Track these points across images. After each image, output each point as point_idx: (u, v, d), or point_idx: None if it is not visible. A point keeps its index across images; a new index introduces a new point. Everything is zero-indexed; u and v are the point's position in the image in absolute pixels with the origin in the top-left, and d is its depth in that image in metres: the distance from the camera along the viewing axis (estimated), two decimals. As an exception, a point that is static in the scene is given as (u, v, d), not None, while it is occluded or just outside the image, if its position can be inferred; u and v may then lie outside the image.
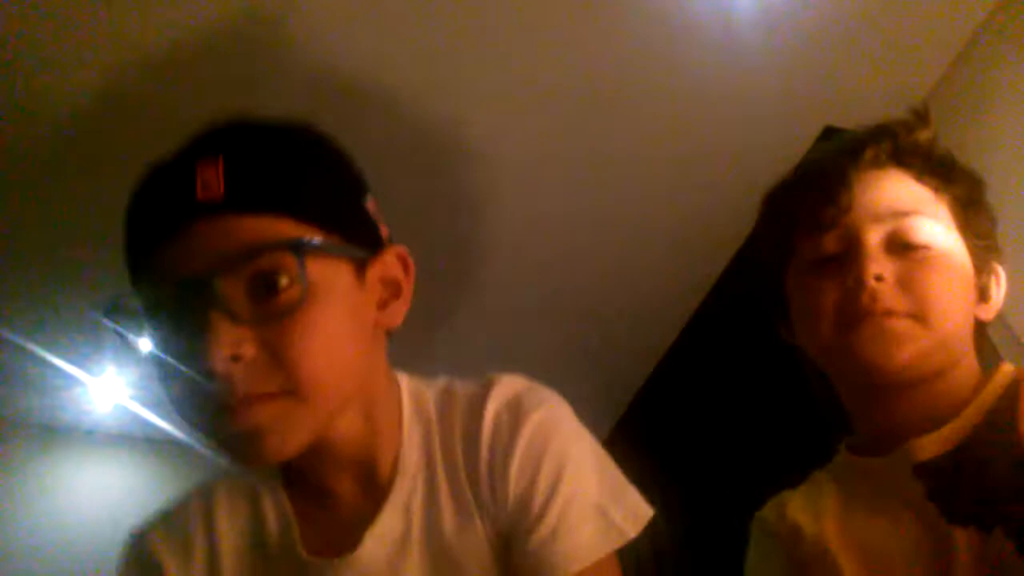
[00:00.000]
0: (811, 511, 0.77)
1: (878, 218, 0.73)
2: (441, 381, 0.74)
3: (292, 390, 0.56)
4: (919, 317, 0.69)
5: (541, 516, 0.63)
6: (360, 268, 0.62)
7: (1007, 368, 0.74)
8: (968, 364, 0.75)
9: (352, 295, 0.60)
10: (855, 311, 0.70)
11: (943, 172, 0.76)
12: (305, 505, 0.69)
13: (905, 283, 0.70)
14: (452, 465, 0.67)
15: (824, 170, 0.78)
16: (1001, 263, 0.80)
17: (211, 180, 0.56)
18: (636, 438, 2.76)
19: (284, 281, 0.55)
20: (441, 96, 1.61)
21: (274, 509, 0.69)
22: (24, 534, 2.36)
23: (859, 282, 0.70)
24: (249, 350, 0.55)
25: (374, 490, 0.67)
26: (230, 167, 0.57)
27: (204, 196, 0.55)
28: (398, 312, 0.66)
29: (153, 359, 0.59)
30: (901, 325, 0.69)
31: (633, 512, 0.67)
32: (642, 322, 2.37)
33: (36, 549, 2.33)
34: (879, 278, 0.69)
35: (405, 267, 0.67)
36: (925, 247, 0.71)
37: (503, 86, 1.62)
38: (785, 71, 1.57)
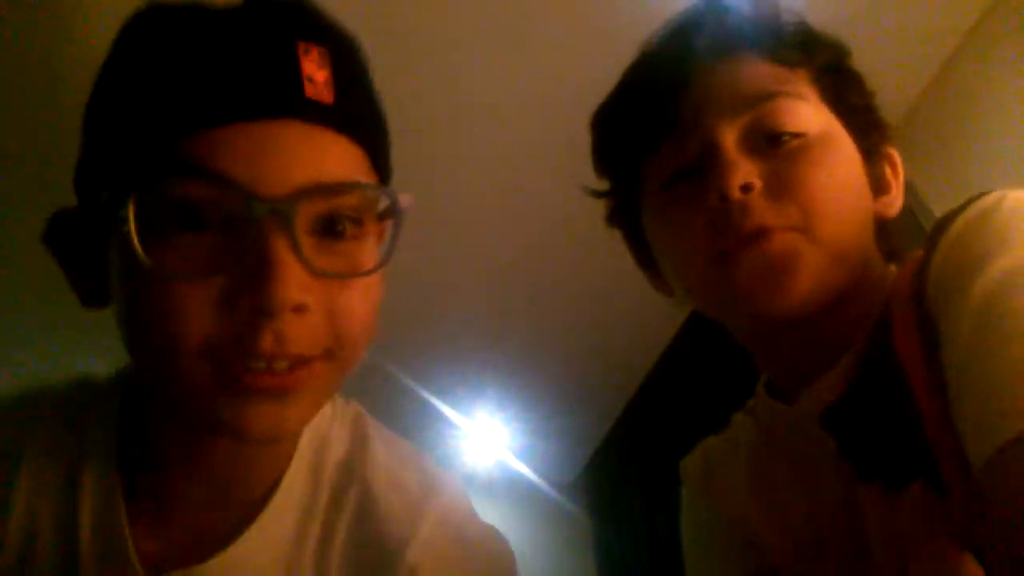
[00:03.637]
0: (731, 461, 0.68)
1: (732, 109, 0.57)
2: (360, 435, 0.60)
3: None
4: (805, 228, 0.54)
5: None
6: None
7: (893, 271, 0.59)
8: (873, 277, 0.59)
9: None
10: (727, 235, 0.55)
11: (798, 43, 0.61)
12: (138, 500, 0.52)
13: (779, 186, 0.55)
14: (324, 550, 0.55)
15: (657, 70, 0.62)
16: (891, 144, 0.64)
17: (318, 78, 0.45)
18: (634, 438, 2.77)
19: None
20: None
21: (98, 496, 0.52)
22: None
23: (723, 196, 0.54)
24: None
25: (232, 509, 0.54)
26: (337, 71, 0.47)
27: (312, 94, 0.45)
28: None
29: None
30: (786, 244, 0.54)
31: None
32: (642, 320, 2.38)
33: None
34: (747, 188, 0.54)
35: None
36: (796, 135, 0.56)
37: (500, 88, 1.63)
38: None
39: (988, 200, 0.50)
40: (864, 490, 0.53)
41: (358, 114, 0.48)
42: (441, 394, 2.47)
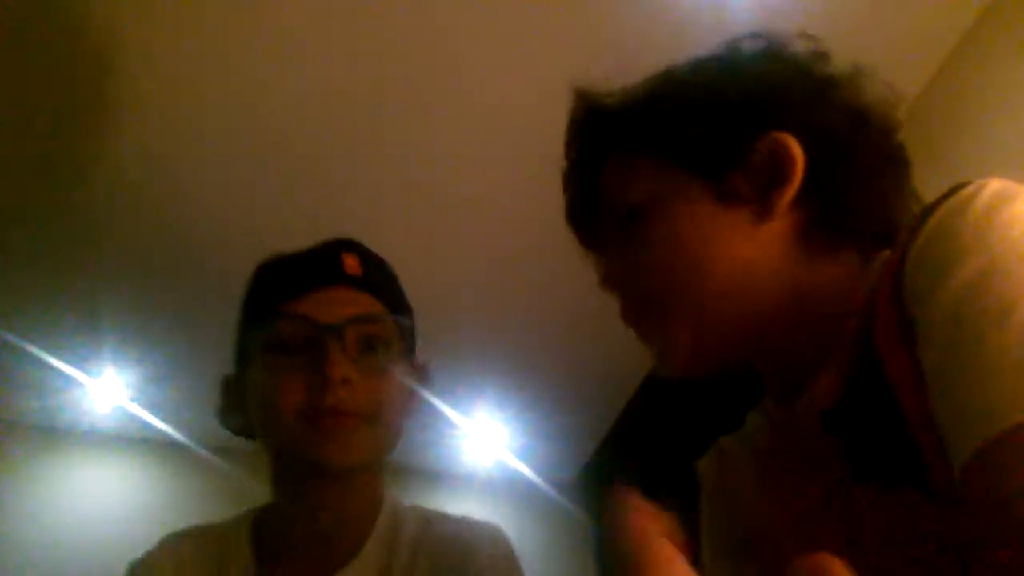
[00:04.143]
0: (743, 460, 0.68)
1: (607, 216, 0.68)
2: (425, 516, 0.87)
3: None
4: (657, 311, 0.61)
5: None
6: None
7: (884, 256, 0.56)
8: (830, 277, 0.58)
9: None
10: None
11: (613, 128, 0.67)
12: (268, 565, 0.79)
13: (629, 277, 0.65)
14: None
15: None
16: (774, 128, 0.58)
17: (353, 264, 0.82)
18: (632, 442, 2.77)
19: None
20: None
21: (237, 564, 0.79)
22: (22, 535, 2.36)
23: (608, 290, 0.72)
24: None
25: (333, 561, 0.78)
26: (364, 261, 0.84)
27: (350, 272, 0.81)
28: None
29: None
30: (645, 333, 0.65)
31: None
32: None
33: (34, 550, 2.33)
34: (608, 272, 0.70)
35: None
36: (627, 223, 0.64)
37: (501, 86, 1.63)
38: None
39: (966, 192, 0.48)
40: (858, 491, 0.52)
41: (379, 284, 0.84)
42: (441, 394, 2.47)
